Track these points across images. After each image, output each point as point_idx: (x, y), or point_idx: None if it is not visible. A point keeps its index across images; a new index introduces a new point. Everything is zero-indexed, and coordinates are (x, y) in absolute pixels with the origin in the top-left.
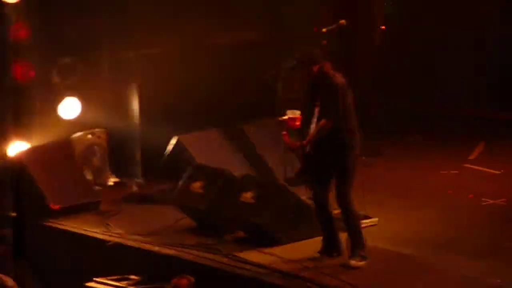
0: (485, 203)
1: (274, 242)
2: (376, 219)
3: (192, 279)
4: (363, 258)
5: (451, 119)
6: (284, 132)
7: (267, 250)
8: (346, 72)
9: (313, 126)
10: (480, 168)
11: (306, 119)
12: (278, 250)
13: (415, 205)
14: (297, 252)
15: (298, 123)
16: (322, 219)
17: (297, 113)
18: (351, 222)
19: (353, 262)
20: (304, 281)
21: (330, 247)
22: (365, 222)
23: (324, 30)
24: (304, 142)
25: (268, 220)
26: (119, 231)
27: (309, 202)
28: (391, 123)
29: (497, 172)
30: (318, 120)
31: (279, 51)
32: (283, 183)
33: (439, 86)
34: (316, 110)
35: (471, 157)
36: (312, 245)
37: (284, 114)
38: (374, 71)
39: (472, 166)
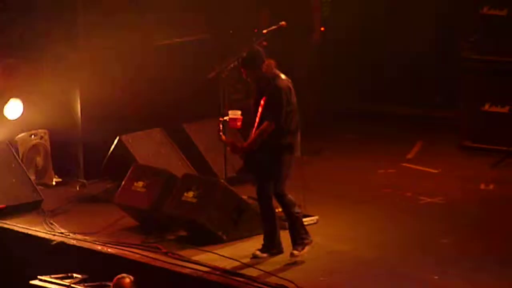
0: (422, 202)
1: (215, 240)
2: (316, 217)
3: (132, 278)
4: (304, 245)
5: (389, 117)
6: (221, 133)
7: (208, 248)
8: (285, 73)
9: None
10: (418, 167)
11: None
12: (219, 248)
13: (353, 203)
14: (237, 250)
15: (239, 123)
16: (265, 215)
17: (238, 113)
18: (288, 210)
19: (295, 252)
20: (244, 279)
21: (271, 245)
22: (305, 221)
23: (264, 31)
24: (245, 144)
25: (209, 219)
26: (62, 230)
27: (250, 201)
28: (329, 123)
29: (434, 171)
30: (261, 121)
31: (222, 51)
32: (224, 182)
33: (376, 84)
34: (259, 110)
35: (409, 156)
36: (252, 244)
37: (226, 114)
38: (311, 72)
39: (409, 165)
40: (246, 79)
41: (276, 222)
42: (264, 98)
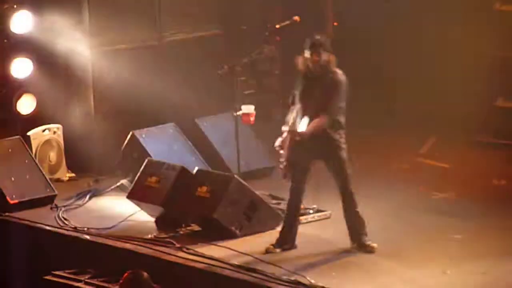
0: (435, 197)
1: (228, 235)
2: (330, 211)
3: (146, 274)
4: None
5: (402, 113)
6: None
7: (222, 243)
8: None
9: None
10: (431, 162)
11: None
12: (232, 243)
13: (366, 198)
14: (251, 245)
15: (252, 118)
16: (291, 209)
17: (251, 108)
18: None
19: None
20: (258, 274)
21: (285, 240)
22: (319, 216)
23: (277, 26)
24: (301, 132)
25: (222, 214)
26: (76, 225)
27: (264, 196)
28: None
29: (446, 165)
30: (312, 112)
31: (233, 47)
32: (238, 177)
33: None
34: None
35: (422, 151)
36: (266, 239)
37: (239, 109)
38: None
39: (423, 160)
40: (314, 62)
41: (298, 218)
42: (321, 88)
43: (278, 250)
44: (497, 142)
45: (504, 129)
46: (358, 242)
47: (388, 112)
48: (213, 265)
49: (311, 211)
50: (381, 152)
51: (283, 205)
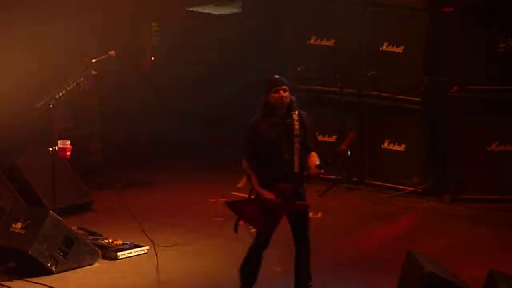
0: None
1: (44, 272)
2: (147, 246)
3: None
4: None
5: (220, 147)
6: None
7: (38, 280)
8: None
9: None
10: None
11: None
12: (48, 279)
13: (186, 233)
14: (66, 281)
15: (68, 153)
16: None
17: (67, 143)
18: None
19: None
20: None
21: None
22: (135, 251)
23: (94, 60)
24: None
25: (38, 250)
26: None
27: (80, 232)
28: (161, 152)
29: None
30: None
31: (50, 82)
32: (53, 213)
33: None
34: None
35: (239, 185)
36: (82, 275)
37: (55, 144)
38: (144, 101)
39: (239, 194)
40: (284, 100)
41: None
42: (296, 125)
43: None
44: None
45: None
46: None
47: None
48: None
49: (128, 246)
50: (199, 186)
51: (101, 241)
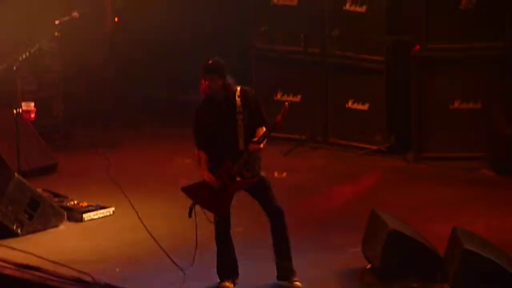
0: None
1: (9, 234)
2: (112, 208)
3: None
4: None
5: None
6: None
7: (3, 242)
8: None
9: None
10: None
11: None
12: (13, 242)
13: (149, 193)
14: (32, 244)
15: (33, 115)
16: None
17: (31, 105)
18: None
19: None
20: (40, 272)
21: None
22: (101, 212)
23: (57, 22)
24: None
25: (3, 213)
26: None
27: (45, 194)
28: (127, 113)
29: None
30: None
31: (17, 43)
32: (17, 175)
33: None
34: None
35: None
36: (49, 237)
37: (19, 107)
38: (106, 63)
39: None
40: (207, 88)
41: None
42: (238, 103)
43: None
44: (278, 135)
45: (284, 123)
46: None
47: None
48: None
49: (93, 208)
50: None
51: (66, 202)
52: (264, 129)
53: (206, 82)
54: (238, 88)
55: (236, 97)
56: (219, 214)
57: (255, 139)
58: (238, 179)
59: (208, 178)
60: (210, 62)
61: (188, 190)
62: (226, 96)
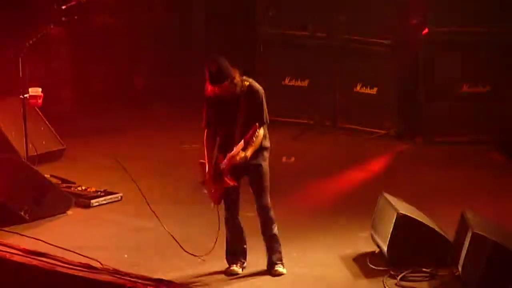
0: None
1: (17, 220)
2: (120, 194)
3: None
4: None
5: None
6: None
7: (11, 228)
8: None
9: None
10: None
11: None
12: (21, 228)
13: (159, 178)
14: (40, 230)
15: (40, 101)
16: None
17: (39, 91)
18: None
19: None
20: (48, 258)
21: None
22: (109, 198)
23: (63, 7)
24: (248, 154)
25: (11, 198)
26: None
27: (54, 180)
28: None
29: None
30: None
31: (22, 29)
32: (25, 161)
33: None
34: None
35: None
36: (56, 223)
37: (26, 92)
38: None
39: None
40: (221, 94)
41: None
42: (242, 101)
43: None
44: (286, 120)
45: (292, 107)
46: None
47: None
48: (2, 251)
49: (101, 194)
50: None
51: (74, 188)
52: (257, 126)
53: (214, 88)
54: (247, 84)
55: (242, 93)
56: (212, 201)
57: (233, 152)
58: (226, 178)
59: (201, 171)
60: (214, 70)
61: (203, 166)
62: (233, 91)
